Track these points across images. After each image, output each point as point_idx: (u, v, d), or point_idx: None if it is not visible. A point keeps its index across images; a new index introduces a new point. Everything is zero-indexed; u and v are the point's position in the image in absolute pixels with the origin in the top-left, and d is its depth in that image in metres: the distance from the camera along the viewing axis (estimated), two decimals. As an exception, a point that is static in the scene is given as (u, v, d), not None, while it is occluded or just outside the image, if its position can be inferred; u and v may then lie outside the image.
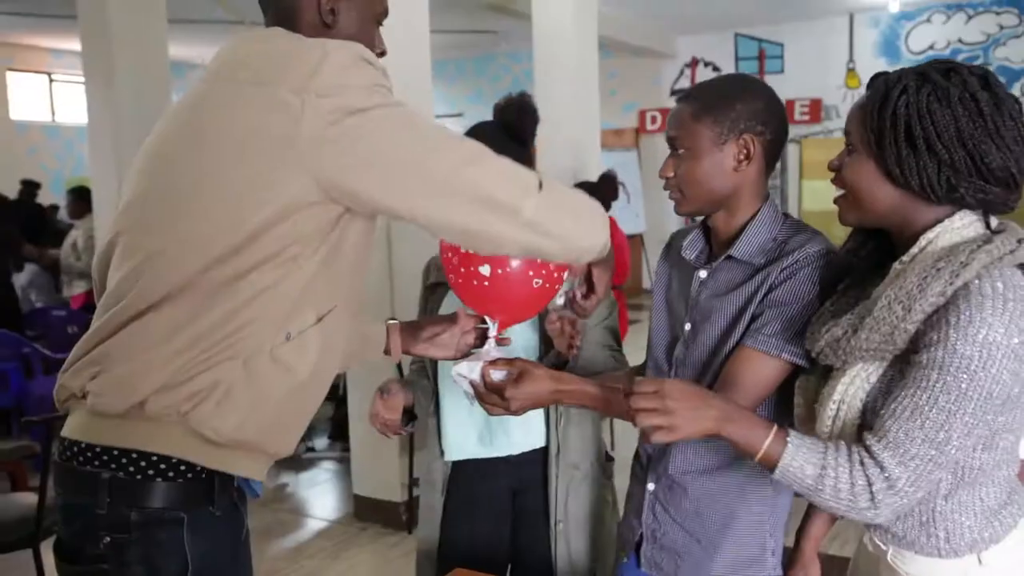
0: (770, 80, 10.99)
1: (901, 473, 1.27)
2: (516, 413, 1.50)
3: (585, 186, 5.02)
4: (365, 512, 4.19)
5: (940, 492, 1.37)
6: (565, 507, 2.06)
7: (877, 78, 1.40)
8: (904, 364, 1.33)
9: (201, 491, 1.35)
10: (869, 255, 1.49)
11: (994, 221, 1.36)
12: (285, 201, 1.27)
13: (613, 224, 4.98)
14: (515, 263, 1.57)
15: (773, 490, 1.59)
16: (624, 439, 5.14)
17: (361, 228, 1.41)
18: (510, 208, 1.30)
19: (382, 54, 1.49)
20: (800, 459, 1.32)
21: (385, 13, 1.52)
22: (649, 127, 11.38)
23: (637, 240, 10.60)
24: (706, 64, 11.01)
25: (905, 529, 1.42)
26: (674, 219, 11.32)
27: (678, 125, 1.56)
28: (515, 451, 2.07)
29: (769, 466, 1.34)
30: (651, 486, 1.69)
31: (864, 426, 1.40)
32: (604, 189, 5.03)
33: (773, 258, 1.54)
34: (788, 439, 1.32)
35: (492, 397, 1.52)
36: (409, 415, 2.05)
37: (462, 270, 1.61)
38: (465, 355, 1.70)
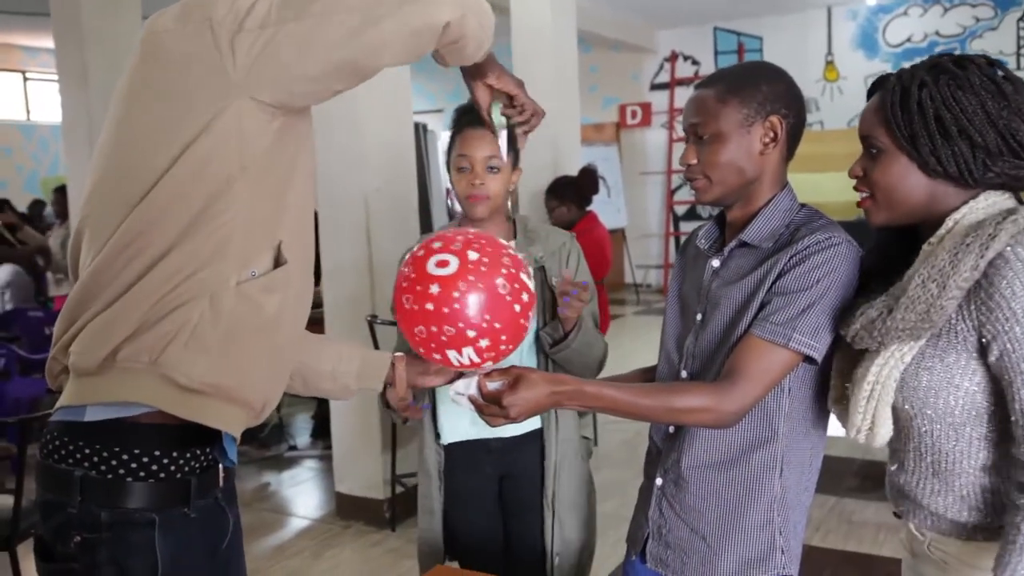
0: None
1: None
2: (517, 420, 1.47)
3: (565, 180, 5.03)
4: (348, 510, 4.17)
5: (977, 463, 1.38)
6: (556, 484, 2.08)
7: (886, 79, 1.42)
8: (940, 340, 1.36)
9: (175, 492, 1.33)
10: (896, 252, 1.49)
11: None
12: (207, 119, 1.26)
13: (594, 218, 5.03)
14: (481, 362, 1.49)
15: (782, 487, 1.57)
16: (606, 432, 5.14)
17: (293, 150, 1.39)
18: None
19: None
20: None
21: None
22: (629, 122, 11.39)
23: (619, 235, 10.61)
24: (685, 58, 11.03)
25: (946, 506, 1.42)
26: (656, 214, 11.36)
27: (701, 110, 1.55)
28: (510, 432, 2.07)
29: None
30: (659, 481, 1.67)
31: (897, 407, 1.42)
32: (584, 183, 5.03)
33: (783, 244, 1.54)
34: None
35: (491, 408, 1.49)
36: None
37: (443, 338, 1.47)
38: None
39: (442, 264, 1.43)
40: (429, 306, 1.41)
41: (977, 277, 1.30)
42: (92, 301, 1.31)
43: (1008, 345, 1.29)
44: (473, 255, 1.44)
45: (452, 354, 1.45)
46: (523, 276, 1.48)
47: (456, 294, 1.40)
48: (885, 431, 1.45)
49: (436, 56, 1.41)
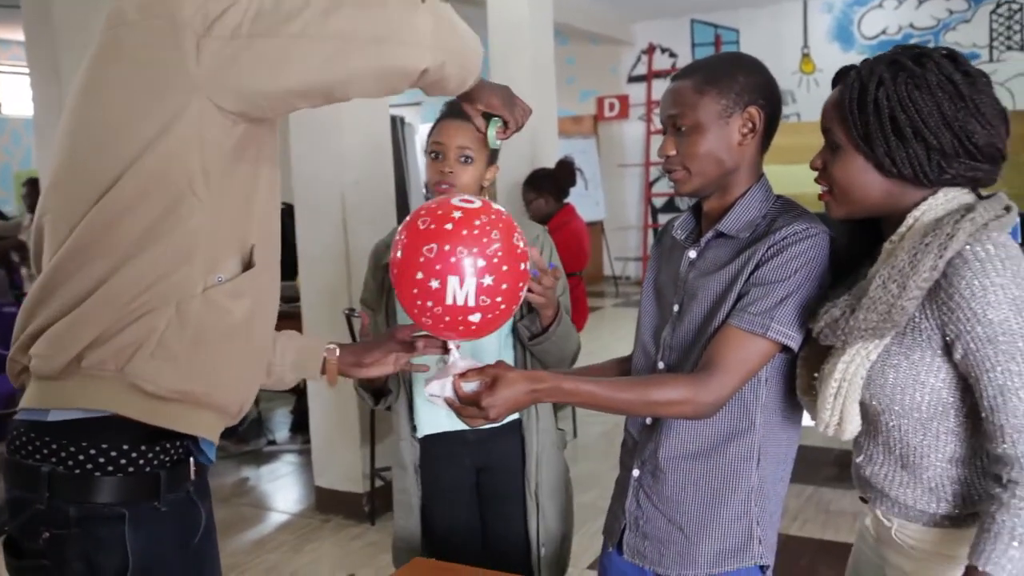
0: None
1: None
2: (496, 421, 1.46)
3: (543, 173, 5.02)
4: (327, 504, 4.16)
5: (944, 456, 1.40)
6: (538, 474, 2.08)
7: (847, 72, 1.41)
8: (904, 338, 1.37)
9: (144, 486, 1.32)
10: (861, 242, 1.50)
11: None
12: (167, 118, 1.24)
13: (571, 211, 5.03)
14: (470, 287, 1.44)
15: (759, 478, 1.58)
16: (584, 425, 5.15)
17: (254, 156, 1.37)
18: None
19: None
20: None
21: None
22: (607, 114, 11.39)
23: (597, 227, 10.63)
24: (663, 51, 11.05)
25: (914, 497, 1.44)
26: (634, 206, 11.39)
27: (679, 102, 1.55)
28: (487, 424, 2.05)
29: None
30: (636, 472, 1.67)
31: (864, 403, 1.43)
32: (561, 175, 5.03)
33: (760, 235, 1.54)
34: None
35: (469, 409, 1.47)
36: (380, 393, 2.06)
37: (447, 319, 1.46)
38: (434, 371, 1.59)
39: (467, 201, 1.47)
40: (448, 225, 1.41)
41: (936, 277, 1.30)
42: (51, 300, 1.29)
43: (971, 345, 1.30)
44: (495, 205, 1.49)
45: (453, 282, 1.40)
46: (529, 249, 1.52)
47: (478, 222, 1.42)
48: (853, 426, 1.46)
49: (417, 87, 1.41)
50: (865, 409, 1.45)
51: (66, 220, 1.29)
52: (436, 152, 2.00)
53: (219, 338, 1.33)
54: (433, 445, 2.11)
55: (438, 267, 1.40)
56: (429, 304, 1.43)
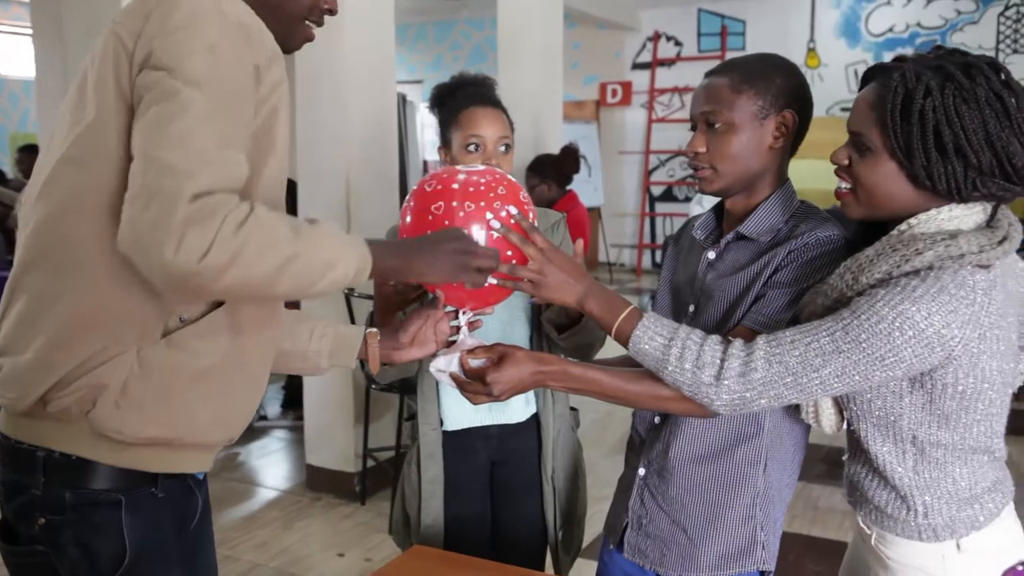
0: (731, 57, 11.10)
1: (763, 369, 1.33)
2: (500, 398, 1.46)
3: (547, 159, 5.00)
4: (318, 482, 4.15)
5: (907, 465, 1.40)
6: (555, 461, 2.06)
7: (886, 73, 1.36)
8: None
9: (141, 472, 1.29)
10: (868, 240, 1.48)
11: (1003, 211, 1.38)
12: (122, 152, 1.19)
13: (574, 198, 5.01)
14: (480, 238, 1.46)
15: (766, 483, 1.57)
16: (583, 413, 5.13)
17: None
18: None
19: (328, 11, 1.39)
20: (652, 329, 1.40)
21: None
22: (610, 100, 11.34)
23: (594, 214, 10.61)
24: (668, 39, 10.99)
25: (886, 500, 1.44)
26: (632, 194, 11.36)
27: (715, 98, 1.52)
28: (514, 419, 2.05)
29: (624, 339, 1.42)
30: (641, 471, 1.67)
31: (837, 398, 1.45)
32: (565, 162, 5.00)
33: (781, 239, 1.52)
34: (645, 314, 1.41)
35: (474, 385, 1.47)
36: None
37: None
38: (446, 345, 1.62)
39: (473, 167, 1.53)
40: (454, 185, 1.46)
41: (885, 280, 1.31)
42: (15, 337, 1.26)
43: (863, 305, 1.30)
44: (499, 170, 1.54)
45: None
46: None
47: (483, 180, 1.47)
48: (828, 420, 1.48)
49: None
50: (840, 406, 1.47)
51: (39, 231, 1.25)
52: (474, 144, 1.91)
53: (190, 384, 1.28)
54: (452, 438, 2.07)
55: (446, 222, 1.43)
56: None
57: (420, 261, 1.35)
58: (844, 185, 1.42)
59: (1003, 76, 1.30)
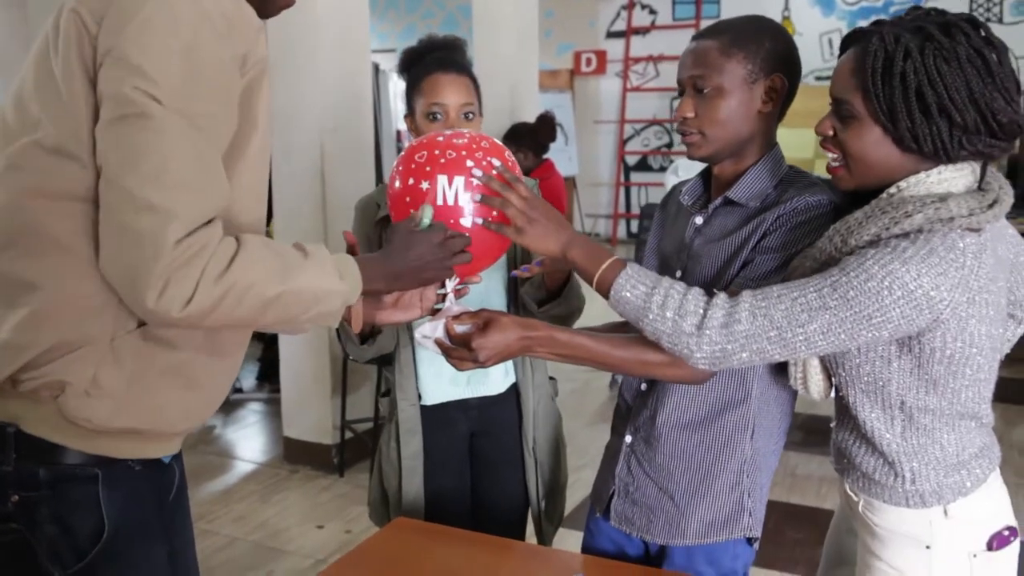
0: (706, 24, 10.97)
1: (747, 321, 1.31)
2: (485, 364, 1.43)
3: (523, 128, 4.96)
4: (295, 455, 4.12)
5: (895, 431, 1.40)
6: (535, 431, 2.05)
7: (865, 36, 1.34)
8: None
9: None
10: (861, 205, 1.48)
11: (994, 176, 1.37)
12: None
13: (551, 167, 4.97)
14: (466, 206, 1.45)
15: (753, 450, 1.57)
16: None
17: None
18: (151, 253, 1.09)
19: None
20: (635, 278, 1.37)
21: None
22: (584, 69, 11.26)
23: (569, 183, 10.57)
24: (643, 7, 10.91)
25: (874, 466, 1.44)
26: (607, 164, 11.33)
27: (703, 63, 1.49)
28: (493, 391, 2.03)
29: (605, 287, 1.39)
30: (628, 439, 1.66)
31: (825, 363, 1.45)
32: (541, 130, 4.97)
33: (770, 204, 1.51)
34: (628, 263, 1.39)
35: (459, 351, 1.45)
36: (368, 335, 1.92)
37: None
38: (431, 312, 1.60)
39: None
40: (439, 139, 1.48)
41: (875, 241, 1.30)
42: None
43: (853, 264, 1.29)
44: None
45: (442, 180, 1.42)
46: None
47: (466, 136, 1.48)
48: (815, 384, 1.48)
49: None
50: (828, 370, 1.46)
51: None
52: (434, 113, 1.86)
53: (163, 375, 1.25)
54: (430, 412, 2.05)
55: (428, 168, 1.44)
56: (427, 187, 1.43)
57: (403, 280, 1.40)
58: (832, 157, 1.41)
59: (983, 33, 1.29)
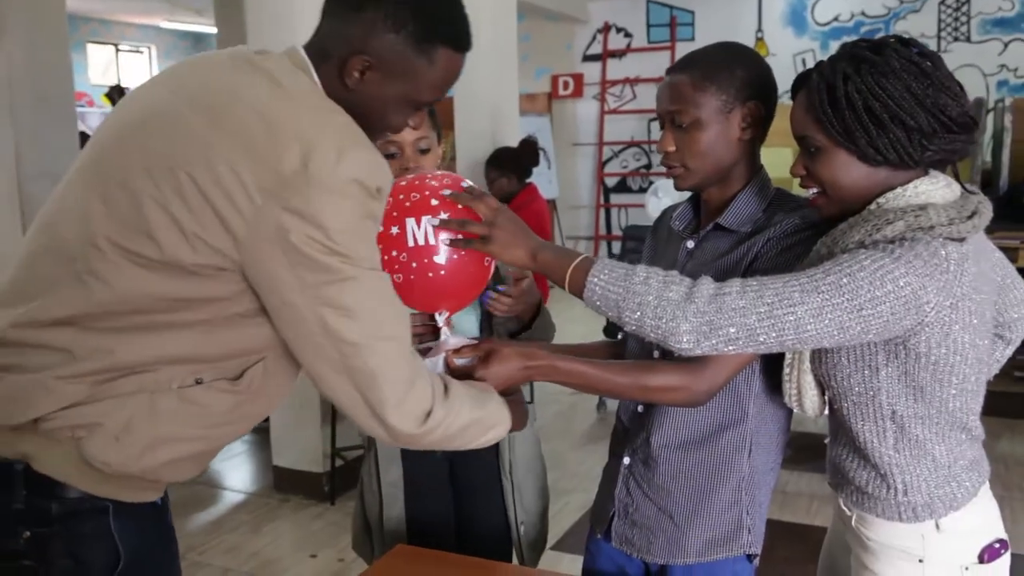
0: (681, 48, 10.93)
1: (736, 295, 1.31)
2: None
3: (506, 152, 4.99)
4: (285, 484, 4.11)
5: (888, 442, 1.42)
6: (511, 454, 2.06)
7: (807, 76, 1.41)
8: None
9: None
10: None
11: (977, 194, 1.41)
12: (203, 261, 1.20)
13: (534, 191, 5.01)
14: (438, 244, 1.47)
15: (751, 468, 1.59)
16: (541, 405, 5.16)
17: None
18: (381, 407, 1.26)
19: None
20: (609, 266, 1.38)
21: (431, 101, 1.41)
22: (562, 92, 11.35)
23: (550, 206, 10.61)
24: (618, 30, 11.03)
25: (867, 479, 1.46)
26: (587, 186, 11.40)
27: (678, 98, 1.52)
28: None
29: (578, 283, 1.39)
30: (626, 460, 1.68)
31: (819, 378, 1.48)
32: (524, 155, 5.01)
33: (760, 228, 1.54)
34: (599, 258, 1.39)
35: None
36: None
37: (413, 265, 1.48)
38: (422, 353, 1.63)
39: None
40: (403, 183, 1.49)
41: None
42: (22, 353, 1.23)
43: (845, 259, 1.32)
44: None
45: (411, 223, 1.45)
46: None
47: (428, 175, 1.52)
48: (811, 402, 1.50)
49: None
50: (823, 385, 1.49)
51: (84, 260, 1.22)
52: (391, 153, 1.85)
53: (185, 430, 1.28)
54: None
55: (395, 214, 1.45)
56: (395, 254, 1.44)
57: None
58: (813, 190, 1.46)
59: (915, 49, 1.36)
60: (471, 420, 1.35)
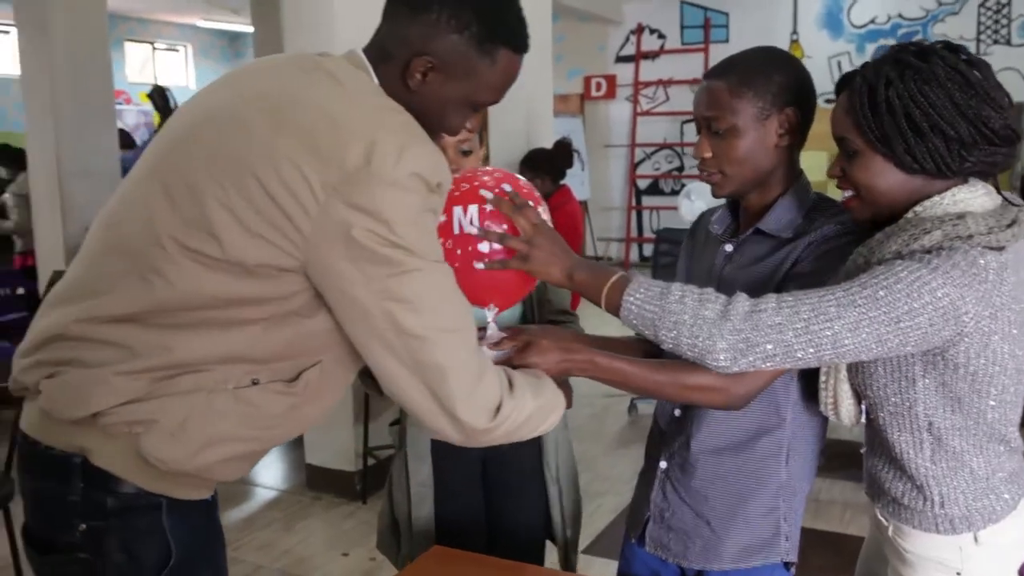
0: (715, 49, 10.89)
1: (772, 311, 1.31)
2: None
3: (540, 154, 4.99)
4: (318, 482, 4.13)
5: (925, 454, 1.41)
6: (557, 458, 2.06)
7: (851, 78, 1.40)
8: None
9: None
10: None
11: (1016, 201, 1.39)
12: (266, 260, 1.21)
13: (568, 192, 5.00)
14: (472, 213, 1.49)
15: (788, 474, 1.58)
16: (574, 407, 5.12)
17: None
18: (450, 402, 1.26)
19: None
20: (645, 284, 1.38)
21: (490, 103, 1.41)
22: (594, 93, 11.34)
23: (582, 206, 10.59)
24: (651, 31, 10.99)
25: (903, 491, 1.45)
26: (619, 188, 11.37)
27: (715, 104, 1.51)
28: None
29: (614, 301, 1.39)
30: (663, 464, 1.67)
31: (855, 387, 1.46)
32: (559, 157, 5.01)
33: (800, 233, 1.53)
34: (635, 276, 1.39)
35: None
36: None
37: (458, 252, 1.49)
38: None
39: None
40: (456, 174, 1.48)
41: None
42: (82, 350, 1.25)
43: (881, 271, 1.31)
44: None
45: (457, 211, 1.46)
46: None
47: (479, 168, 1.53)
48: (847, 411, 1.49)
49: None
50: (859, 395, 1.47)
51: (126, 254, 1.24)
52: None
53: (238, 431, 1.29)
54: None
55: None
56: (443, 219, 1.45)
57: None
58: (847, 193, 1.45)
59: (962, 56, 1.34)
60: (534, 409, 1.35)
